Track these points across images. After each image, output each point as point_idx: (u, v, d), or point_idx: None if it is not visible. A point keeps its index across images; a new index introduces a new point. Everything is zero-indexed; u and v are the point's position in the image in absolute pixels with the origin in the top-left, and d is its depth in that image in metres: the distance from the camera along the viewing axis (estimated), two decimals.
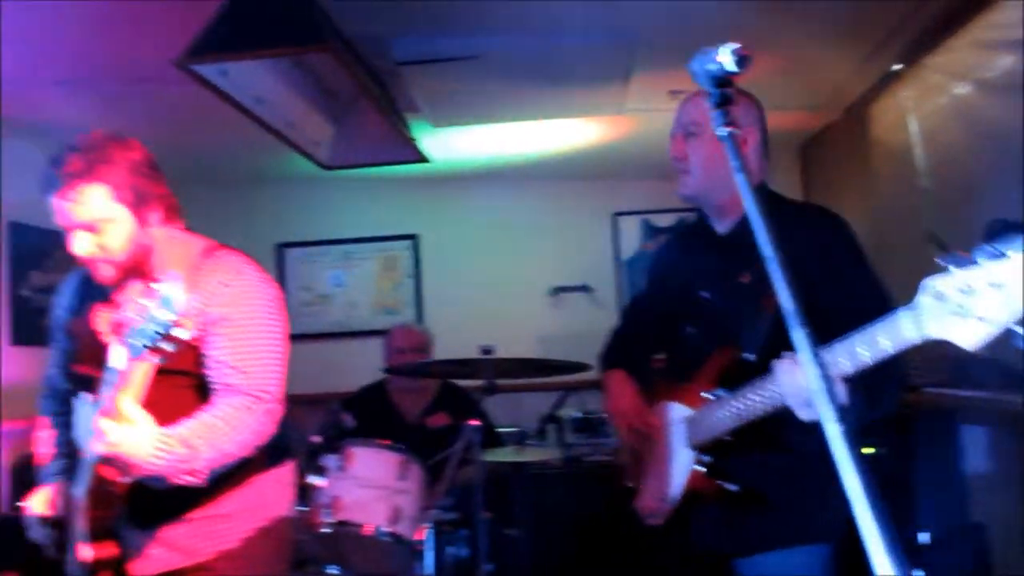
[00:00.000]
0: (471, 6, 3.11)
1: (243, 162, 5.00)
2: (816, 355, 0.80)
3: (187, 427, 1.60)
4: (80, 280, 1.97)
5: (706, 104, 1.13)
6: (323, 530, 2.66)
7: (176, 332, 1.39)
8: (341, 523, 2.66)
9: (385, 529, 2.66)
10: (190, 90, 3.54)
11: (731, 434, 1.70)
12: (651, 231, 5.58)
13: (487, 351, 2.79)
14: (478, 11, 3.15)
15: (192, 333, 1.43)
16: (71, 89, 3.80)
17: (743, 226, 1.85)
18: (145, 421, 1.49)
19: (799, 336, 0.82)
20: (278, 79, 3.23)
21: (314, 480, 2.73)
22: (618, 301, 5.49)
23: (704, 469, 1.78)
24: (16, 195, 4.32)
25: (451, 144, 4.66)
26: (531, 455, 3.22)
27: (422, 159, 3.94)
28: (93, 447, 1.48)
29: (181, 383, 1.75)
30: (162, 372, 1.56)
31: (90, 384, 1.81)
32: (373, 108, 3.44)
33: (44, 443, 2.06)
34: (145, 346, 1.39)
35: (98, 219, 1.69)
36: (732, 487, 1.73)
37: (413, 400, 3.63)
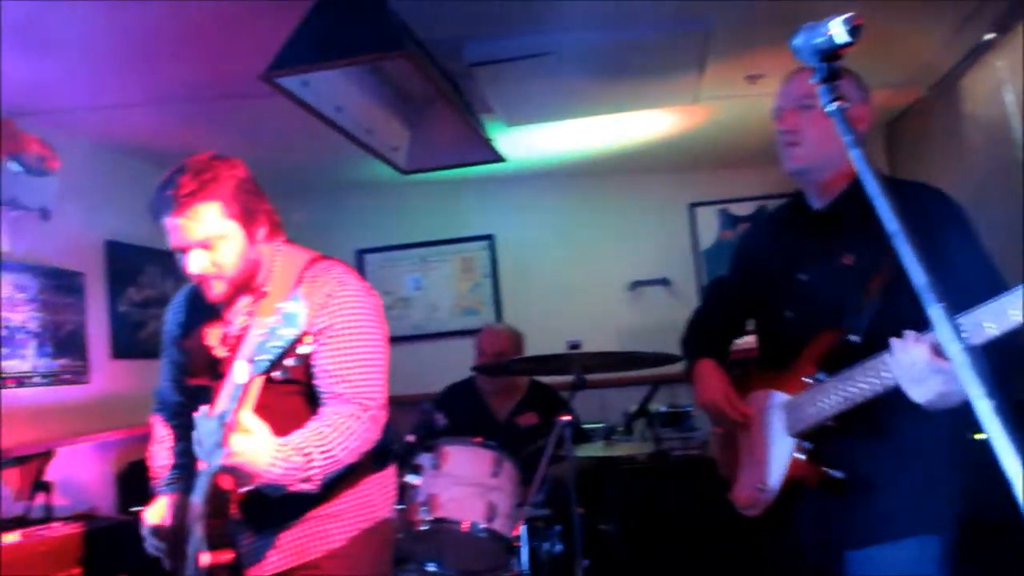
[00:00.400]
0: (541, 4, 3.11)
1: (322, 172, 5.12)
2: (957, 329, 0.77)
3: (301, 436, 1.64)
4: (189, 296, 2.04)
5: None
6: (421, 528, 2.70)
7: (300, 349, 1.41)
8: (438, 520, 2.69)
9: (482, 525, 2.68)
10: (269, 105, 3.65)
11: (836, 419, 1.66)
12: (730, 220, 5.48)
13: (574, 346, 2.78)
14: (549, 8, 3.15)
15: (313, 348, 1.46)
16: (161, 110, 3.95)
17: (844, 203, 1.80)
18: (263, 431, 1.53)
19: (936, 312, 0.79)
20: (356, 87, 3.30)
21: (410, 479, 2.77)
22: (698, 293, 5.42)
23: (806, 456, 1.74)
24: (112, 214, 4.52)
25: (525, 142, 4.67)
26: (621, 450, 3.20)
27: (499, 158, 3.96)
28: (214, 458, 1.52)
29: (290, 390, 1.79)
30: (271, 380, 1.60)
31: (202, 397, 1.85)
32: (448, 110, 3.48)
33: (157, 456, 2.11)
34: (269, 361, 1.41)
35: (212, 236, 1.74)
36: (838, 474, 1.68)
37: (503, 399, 3.65)
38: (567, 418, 2.75)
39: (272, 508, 1.77)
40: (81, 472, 4.10)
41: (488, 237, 5.71)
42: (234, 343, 1.85)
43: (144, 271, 4.78)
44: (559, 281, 5.54)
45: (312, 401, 1.81)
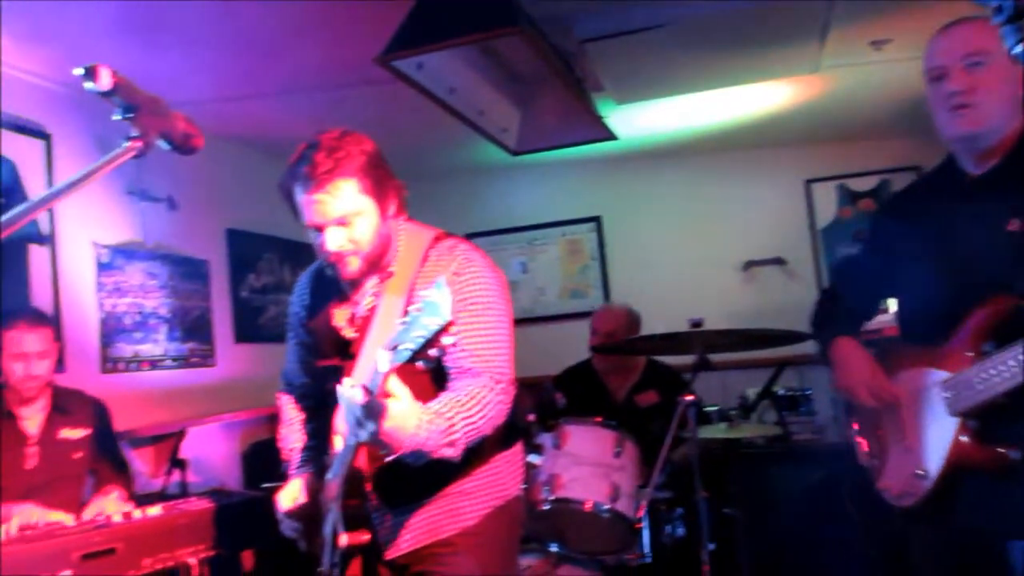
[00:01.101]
0: None
1: (428, 158, 5.16)
2: None
3: (442, 403, 1.63)
4: (313, 278, 2.04)
5: (986, 29, 1.00)
6: (543, 507, 2.68)
7: (444, 339, 1.36)
8: (561, 500, 2.67)
9: (605, 506, 2.64)
10: (378, 92, 3.71)
11: (1007, 395, 1.54)
12: (849, 196, 5.25)
13: (696, 324, 2.70)
14: None
15: (456, 339, 1.42)
16: (278, 101, 4.07)
17: (1008, 167, 1.67)
18: (408, 396, 1.51)
19: None
20: (468, 68, 3.29)
21: (531, 459, 2.75)
22: (815, 273, 5.22)
23: (973, 437, 1.62)
24: (232, 204, 4.69)
25: (634, 121, 4.58)
26: (743, 432, 3.10)
27: (611, 136, 3.89)
28: (358, 432, 1.51)
29: (417, 369, 1.78)
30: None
31: (332, 378, 1.84)
32: (560, 89, 3.43)
33: (288, 438, 2.12)
34: (411, 351, 1.37)
35: (349, 213, 1.73)
36: (1015, 454, 1.56)
37: (620, 378, 3.60)
38: (690, 398, 2.68)
39: (406, 486, 1.77)
40: (209, 451, 4.28)
41: (595, 219, 5.65)
42: (362, 324, 1.85)
43: (262, 258, 4.94)
44: (668, 263, 5.44)
45: (438, 380, 1.79)
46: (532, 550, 2.81)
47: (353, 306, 1.89)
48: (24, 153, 3.38)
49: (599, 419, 2.84)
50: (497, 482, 1.92)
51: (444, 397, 1.67)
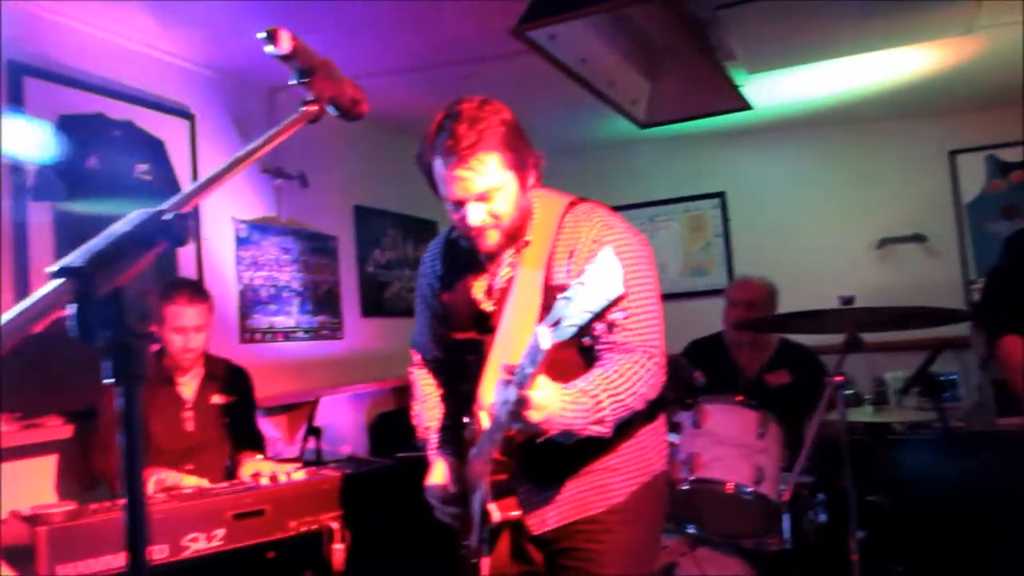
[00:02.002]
0: None
1: (551, 135, 5.12)
2: None
3: (588, 381, 1.58)
4: (444, 247, 1.99)
5: None
6: (682, 487, 2.62)
7: (612, 314, 1.27)
8: (701, 480, 2.60)
9: (749, 488, 2.55)
10: (503, 68, 3.67)
11: None
12: (999, 168, 4.89)
13: (847, 301, 2.56)
14: None
15: (626, 313, 1.31)
16: (404, 78, 4.10)
17: None
18: (547, 382, 1.45)
19: None
20: (599, 38, 3.23)
21: (669, 437, 2.68)
22: (959, 251, 4.90)
23: None
24: (358, 180, 4.78)
25: (765, 91, 4.39)
26: (892, 416, 2.94)
27: (746, 106, 3.75)
28: (509, 417, 1.46)
29: (566, 343, 1.74)
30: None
31: (469, 350, 1.84)
32: (693, 58, 3.33)
33: (422, 416, 2.08)
34: (576, 328, 1.28)
35: (492, 187, 1.68)
36: None
37: (752, 355, 3.48)
38: (839, 379, 2.55)
39: (552, 463, 1.73)
40: (338, 420, 4.40)
41: (719, 194, 5.48)
42: (500, 296, 1.80)
43: (387, 234, 5.03)
44: (796, 240, 5.22)
45: (585, 354, 1.74)
46: (668, 530, 2.75)
47: (490, 277, 1.83)
48: (171, 132, 3.53)
49: (740, 398, 2.74)
50: (643, 457, 1.86)
51: (592, 373, 1.61)
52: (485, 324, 1.82)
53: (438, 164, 1.70)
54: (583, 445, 1.63)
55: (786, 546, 2.70)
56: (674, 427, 2.72)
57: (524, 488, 1.77)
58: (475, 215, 1.70)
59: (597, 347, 1.70)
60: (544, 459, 1.69)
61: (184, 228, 0.84)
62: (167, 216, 0.83)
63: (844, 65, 4.11)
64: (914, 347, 3.94)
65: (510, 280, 1.78)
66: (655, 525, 1.93)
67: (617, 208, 5.74)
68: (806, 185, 5.29)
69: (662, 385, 1.73)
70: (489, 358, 1.77)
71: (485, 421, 1.70)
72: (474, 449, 1.78)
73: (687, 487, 2.62)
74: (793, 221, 5.27)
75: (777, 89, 4.44)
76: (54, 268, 0.69)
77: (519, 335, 1.69)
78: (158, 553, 2.17)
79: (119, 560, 2.11)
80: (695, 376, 3.11)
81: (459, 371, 1.93)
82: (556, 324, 1.31)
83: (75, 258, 0.72)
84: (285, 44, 1.16)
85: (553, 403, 1.47)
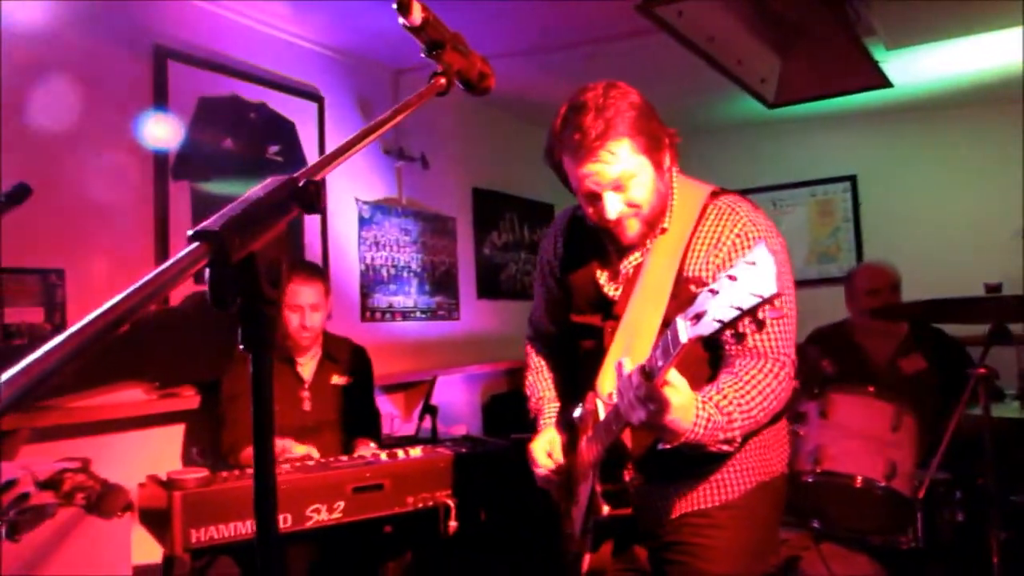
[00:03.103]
0: None
1: (674, 118, 4.96)
2: None
3: (723, 394, 1.50)
4: (568, 226, 1.92)
5: None
6: (807, 479, 2.51)
7: (763, 313, 1.18)
8: (827, 473, 2.48)
9: (880, 484, 2.42)
10: (622, 49, 3.58)
11: None
12: None
13: (993, 289, 2.39)
14: None
15: (779, 313, 1.22)
16: (523, 60, 4.08)
17: None
18: (687, 388, 1.39)
19: None
20: (728, 13, 3.12)
21: (793, 427, 2.57)
22: None
23: None
24: (476, 163, 4.81)
25: (904, 68, 4.14)
26: None
27: (887, 84, 3.54)
28: (634, 412, 1.39)
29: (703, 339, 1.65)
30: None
31: (587, 335, 1.79)
32: (829, 33, 3.16)
33: (535, 386, 2.06)
34: (720, 324, 1.18)
35: (627, 172, 1.60)
36: None
37: (881, 343, 3.29)
38: (982, 371, 2.38)
39: (670, 459, 1.63)
40: (453, 400, 4.46)
41: (850, 178, 5.23)
42: (625, 282, 1.73)
43: (504, 217, 5.05)
44: (930, 226, 4.95)
45: (714, 352, 1.65)
46: (790, 524, 2.65)
47: (617, 261, 1.76)
48: (300, 114, 3.64)
49: (872, 388, 2.59)
50: (763, 457, 1.77)
51: (724, 384, 1.52)
52: (608, 309, 1.76)
53: (567, 160, 1.64)
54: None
55: (919, 545, 2.55)
56: (798, 417, 2.61)
57: (638, 486, 1.70)
58: (612, 206, 1.62)
59: (726, 346, 1.62)
60: (660, 455, 1.63)
61: (316, 195, 0.84)
62: (300, 183, 0.84)
63: (989, 40, 3.83)
64: None
65: (638, 267, 1.72)
66: (769, 528, 1.85)
67: (742, 192, 5.56)
68: (942, 168, 4.98)
69: (790, 395, 1.64)
70: (611, 345, 1.71)
71: (601, 410, 1.66)
72: (585, 437, 1.74)
73: (812, 480, 2.50)
74: (927, 206, 4.98)
75: (918, 66, 4.19)
76: (191, 232, 0.71)
77: (643, 323, 1.65)
78: (282, 522, 2.24)
79: (247, 527, 2.20)
80: (823, 365, 2.97)
81: (574, 354, 1.88)
82: (697, 318, 1.21)
83: (211, 222, 0.73)
84: (417, 15, 1.16)
85: (688, 415, 1.41)
